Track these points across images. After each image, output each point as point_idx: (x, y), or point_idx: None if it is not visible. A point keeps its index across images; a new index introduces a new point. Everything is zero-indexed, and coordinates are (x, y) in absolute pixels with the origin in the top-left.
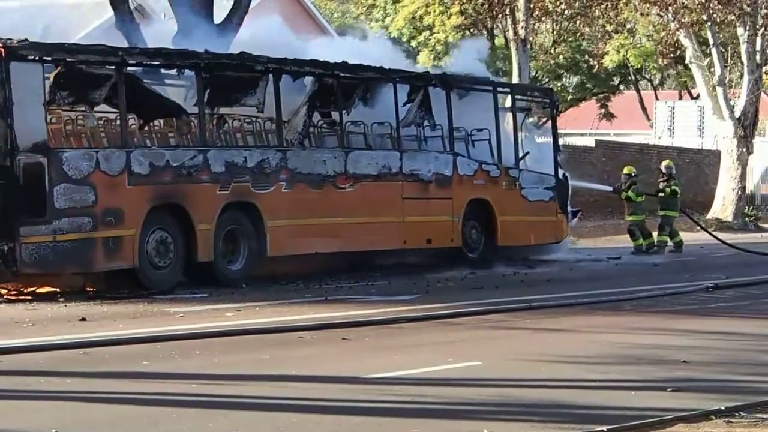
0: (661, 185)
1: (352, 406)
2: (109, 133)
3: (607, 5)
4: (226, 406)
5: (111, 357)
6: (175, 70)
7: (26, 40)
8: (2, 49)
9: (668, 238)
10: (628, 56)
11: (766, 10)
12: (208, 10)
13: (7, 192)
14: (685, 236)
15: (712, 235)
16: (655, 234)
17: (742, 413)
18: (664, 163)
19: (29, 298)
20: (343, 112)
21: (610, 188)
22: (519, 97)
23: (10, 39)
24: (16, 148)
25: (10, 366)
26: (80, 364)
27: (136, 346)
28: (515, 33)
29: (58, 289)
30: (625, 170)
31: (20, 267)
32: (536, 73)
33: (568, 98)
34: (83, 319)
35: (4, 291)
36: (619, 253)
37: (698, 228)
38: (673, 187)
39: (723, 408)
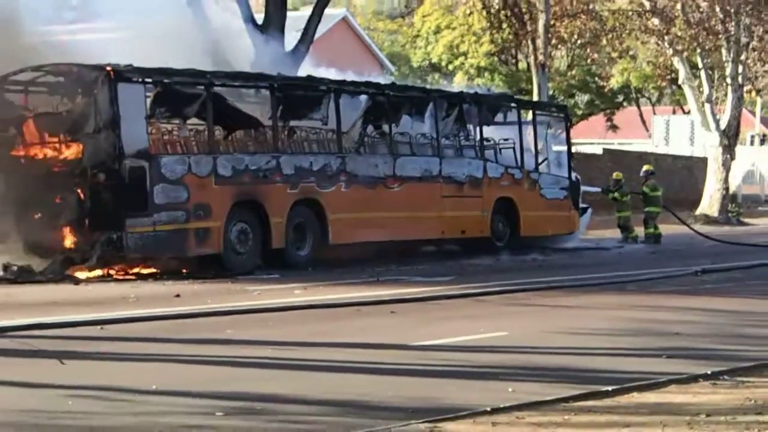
0: (643, 187)
1: (400, 369)
2: (198, 142)
3: (612, 35)
4: (296, 368)
5: (201, 327)
6: (253, 89)
7: (131, 64)
8: (111, 72)
9: (653, 230)
10: (630, 78)
11: (745, 40)
12: (280, 40)
13: (116, 190)
14: (674, 229)
15: (692, 228)
16: (638, 228)
17: (725, 377)
18: (644, 168)
19: (134, 277)
20: (392, 124)
21: (598, 189)
22: (538, 112)
23: (118, 64)
24: (122, 154)
25: (118, 334)
26: (175, 333)
27: (221, 318)
28: (536, 59)
29: (157, 271)
30: (614, 176)
31: (127, 252)
32: (553, 92)
33: (580, 113)
34: (178, 296)
35: (113, 272)
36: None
37: (682, 222)
38: (643, 188)
39: (709, 372)
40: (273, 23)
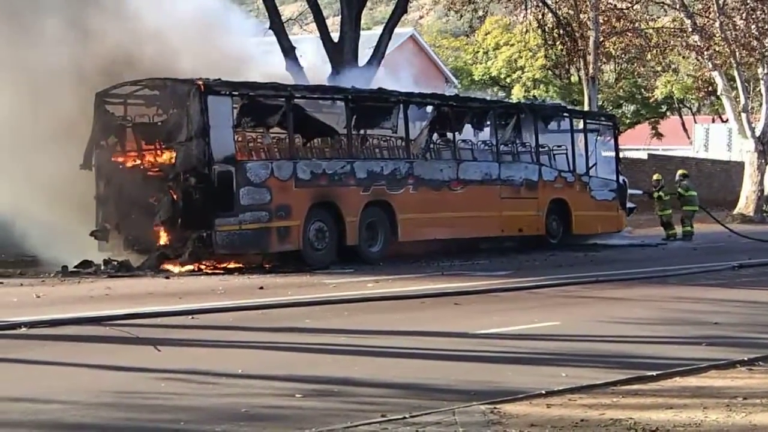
0: (679, 189)
1: (462, 355)
2: (280, 149)
3: (656, 51)
4: (368, 354)
5: (282, 316)
6: (330, 101)
7: (219, 78)
8: (202, 86)
9: (689, 228)
10: (673, 90)
11: None
12: (354, 56)
13: (206, 193)
14: (713, 228)
15: (725, 227)
16: (678, 227)
17: (760, 363)
18: (678, 172)
19: (221, 272)
20: (456, 132)
21: (641, 191)
22: (589, 121)
23: (208, 78)
24: (212, 160)
25: (207, 322)
26: (259, 322)
27: (300, 308)
28: (586, 72)
29: (243, 265)
30: (654, 177)
31: (215, 248)
32: (602, 102)
33: (627, 122)
34: (261, 288)
35: (203, 266)
36: (661, 241)
37: (716, 221)
38: (678, 190)
39: (746, 359)
40: (348, 41)
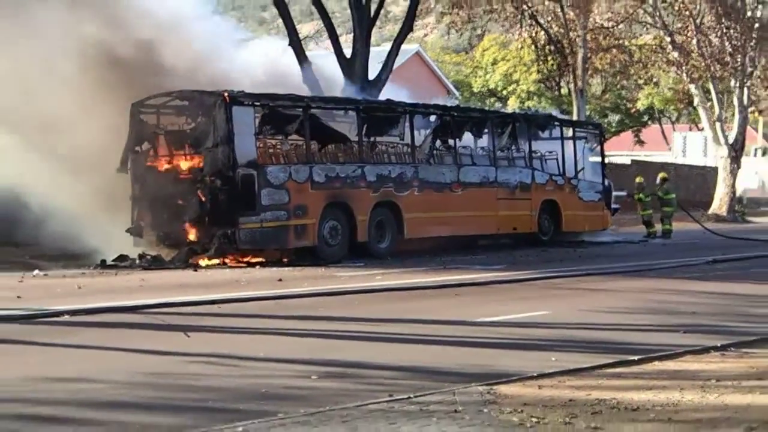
0: (658, 191)
1: (462, 341)
2: (297, 154)
3: (639, 66)
4: (377, 340)
5: (299, 305)
6: (343, 111)
7: (242, 90)
8: (227, 97)
9: (668, 227)
10: (654, 101)
11: (750, 69)
12: (365, 70)
13: (230, 194)
14: (689, 226)
15: (703, 226)
16: (658, 225)
17: (732, 348)
18: (659, 176)
19: (244, 265)
20: (456, 139)
21: (624, 193)
22: (578, 129)
23: (232, 90)
24: (236, 164)
25: (231, 311)
26: (278, 310)
27: (315, 299)
28: (575, 85)
29: (263, 259)
30: (637, 180)
31: (239, 244)
32: (589, 113)
33: (612, 130)
34: (280, 280)
35: (227, 260)
36: (642, 238)
37: (695, 220)
38: (658, 192)
39: (719, 345)
40: (359, 57)
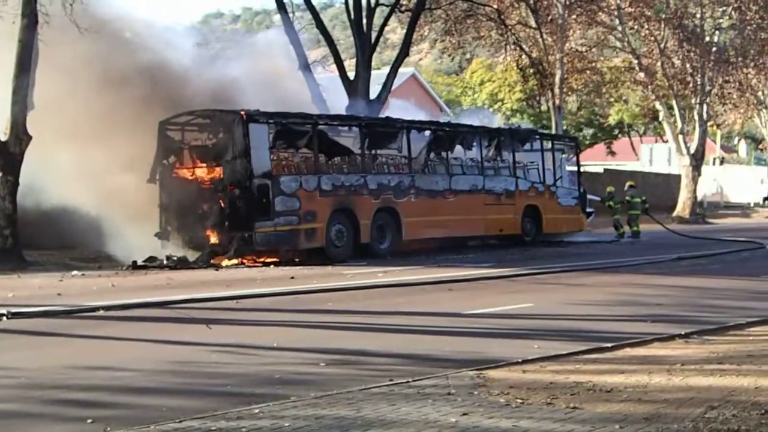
0: (626, 197)
1: (455, 331)
2: (307, 165)
3: (610, 85)
4: (378, 330)
5: (309, 300)
6: (347, 127)
7: (258, 109)
8: (244, 115)
9: (635, 229)
10: (624, 117)
11: (708, 88)
12: (366, 91)
13: (247, 201)
14: (656, 228)
15: (665, 227)
16: (626, 227)
17: (695, 336)
18: (627, 183)
19: (260, 265)
20: (448, 151)
21: (599, 199)
22: (556, 142)
23: (249, 109)
24: (252, 175)
25: (248, 305)
26: (290, 305)
27: (324, 294)
28: (554, 103)
29: (277, 259)
30: (608, 189)
31: (255, 246)
32: (566, 127)
33: (586, 143)
34: (292, 278)
35: (245, 261)
36: (614, 238)
37: (658, 222)
38: (626, 198)
39: (683, 333)
40: (361, 79)
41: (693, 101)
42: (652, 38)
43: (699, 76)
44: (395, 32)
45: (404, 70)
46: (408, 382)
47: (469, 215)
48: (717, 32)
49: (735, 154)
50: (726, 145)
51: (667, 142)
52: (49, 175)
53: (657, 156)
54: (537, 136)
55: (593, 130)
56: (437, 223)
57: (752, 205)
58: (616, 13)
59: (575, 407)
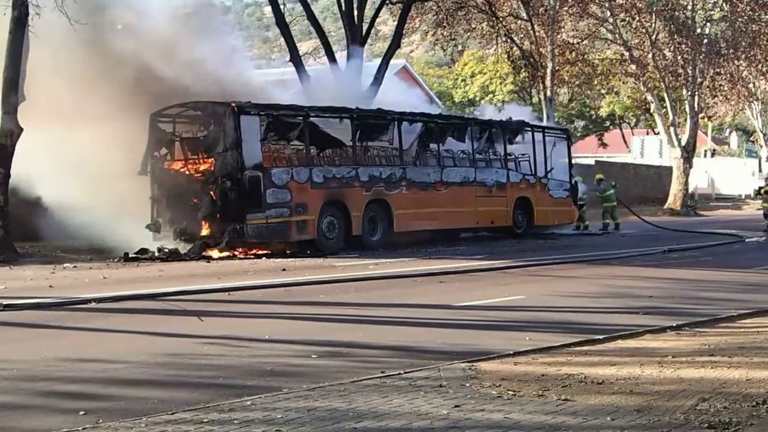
0: (596, 193)
1: (447, 323)
2: (299, 157)
3: (601, 77)
4: (370, 323)
5: (301, 292)
6: (338, 119)
7: (249, 101)
8: (235, 108)
9: (611, 221)
10: (615, 108)
11: (699, 80)
12: (358, 83)
13: (239, 194)
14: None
15: (642, 219)
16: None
17: (686, 328)
18: (596, 176)
19: (251, 257)
20: (440, 144)
21: (585, 187)
22: (547, 134)
23: (240, 101)
24: (243, 167)
25: (239, 298)
26: (282, 297)
27: (315, 286)
28: (545, 95)
29: (269, 251)
30: (597, 176)
31: (247, 238)
32: (558, 119)
33: (578, 134)
34: (284, 270)
35: (237, 252)
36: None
37: (633, 213)
38: (596, 193)
39: (674, 325)
40: (354, 70)
41: (684, 93)
42: (644, 30)
43: (690, 68)
44: (386, 24)
45: (395, 62)
46: (400, 374)
47: (461, 207)
48: (708, 24)
49: (726, 146)
50: (717, 137)
51: (658, 134)
52: (40, 166)
53: (648, 148)
54: (528, 128)
55: (584, 122)
56: (429, 215)
57: (743, 197)
58: (607, 4)
59: (567, 399)
